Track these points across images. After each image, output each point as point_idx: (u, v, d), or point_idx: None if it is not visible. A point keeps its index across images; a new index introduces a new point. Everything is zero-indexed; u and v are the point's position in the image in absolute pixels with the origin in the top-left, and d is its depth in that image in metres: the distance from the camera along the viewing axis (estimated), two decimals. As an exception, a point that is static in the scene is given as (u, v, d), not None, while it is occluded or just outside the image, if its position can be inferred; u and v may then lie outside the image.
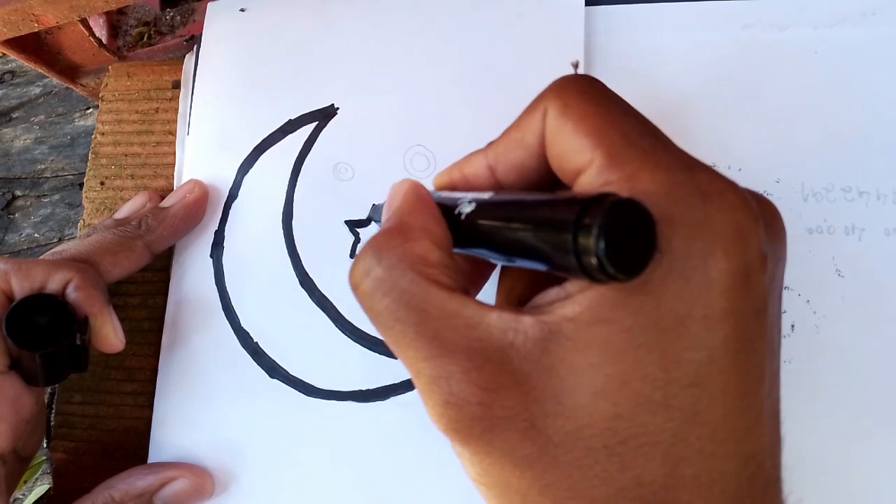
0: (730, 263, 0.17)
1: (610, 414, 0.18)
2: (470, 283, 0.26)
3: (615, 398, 0.18)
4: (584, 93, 0.20)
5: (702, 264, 0.17)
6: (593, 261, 0.16)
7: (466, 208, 0.21)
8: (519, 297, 0.22)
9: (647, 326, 0.17)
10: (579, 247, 0.16)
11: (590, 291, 0.18)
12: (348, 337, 0.35)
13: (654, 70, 0.35)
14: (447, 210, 0.22)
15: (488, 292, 0.25)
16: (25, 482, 0.85)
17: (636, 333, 0.17)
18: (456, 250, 0.22)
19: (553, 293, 0.19)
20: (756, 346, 0.18)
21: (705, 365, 0.18)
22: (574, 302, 0.18)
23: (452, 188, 0.24)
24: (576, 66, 0.22)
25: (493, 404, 0.18)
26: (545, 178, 0.22)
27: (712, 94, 0.35)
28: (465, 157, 0.24)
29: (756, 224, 0.18)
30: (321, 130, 0.38)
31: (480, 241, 0.21)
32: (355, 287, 0.21)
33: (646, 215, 0.16)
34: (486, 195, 0.21)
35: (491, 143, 0.23)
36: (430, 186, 0.25)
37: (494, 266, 0.26)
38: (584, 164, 0.19)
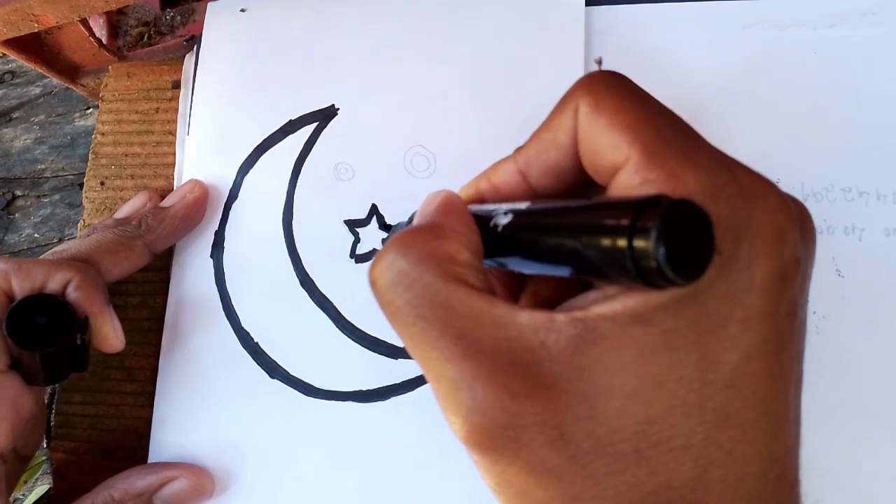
0: (771, 266, 0.17)
1: (642, 417, 0.17)
2: (506, 295, 0.25)
3: (648, 400, 0.17)
4: (614, 87, 0.20)
5: (747, 267, 0.17)
6: (652, 265, 0.15)
7: (503, 220, 0.20)
8: (544, 300, 0.22)
9: (686, 328, 0.17)
10: (636, 252, 0.15)
11: (634, 293, 0.17)
12: (348, 337, 0.35)
13: (654, 70, 0.35)
14: (481, 222, 0.21)
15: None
16: (25, 482, 0.85)
17: (674, 335, 0.17)
18: (487, 263, 0.22)
19: (592, 295, 0.18)
20: (788, 347, 0.18)
21: (741, 367, 0.17)
22: (615, 302, 0.17)
23: (481, 200, 0.23)
24: (599, 62, 0.22)
25: (521, 411, 0.18)
26: (579, 179, 0.21)
27: (712, 94, 0.35)
28: (491, 166, 0.23)
29: (794, 226, 0.18)
30: (321, 131, 0.38)
31: (516, 250, 0.20)
32: (374, 281, 0.20)
33: (702, 217, 0.15)
34: (522, 205, 0.20)
35: (519, 149, 0.22)
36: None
37: (525, 278, 0.26)
38: (621, 161, 0.18)
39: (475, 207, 0.23)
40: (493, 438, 0.18)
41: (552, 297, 0.21)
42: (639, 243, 0.15)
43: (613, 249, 0.16)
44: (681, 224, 0.15)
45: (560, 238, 0.18)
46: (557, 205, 0.19)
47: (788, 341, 0.18)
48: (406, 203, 0.36)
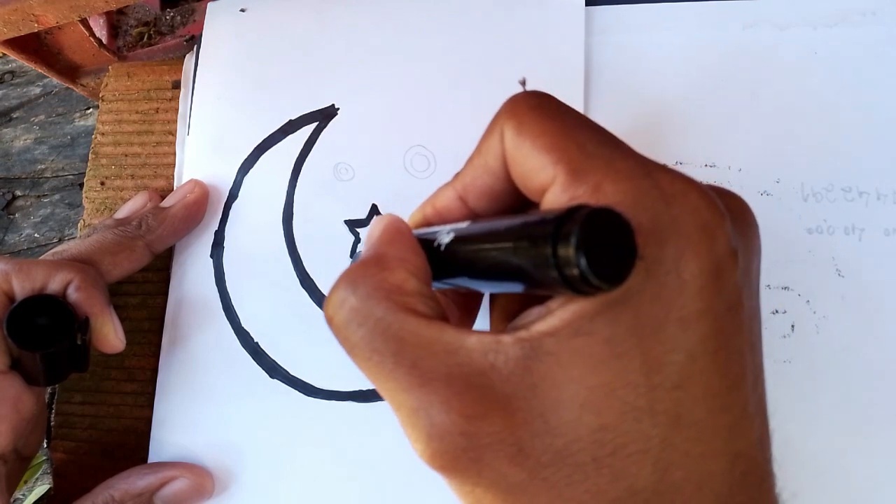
0: (700, 263, 0.18)
1: (596, 426, 0.18)
2: (463, 315, 0.26)
3: (599, 409, 0.17)
4: (536, 109, 0.20)
5: (674, 267, 0.17)
6: (575, 271, 0.16)
7: (445, 238, 0.21)
8: (512, 317, 0.22)
9: (626, 335, 0.17)
10: (560, 259, 0.16)
11: (569, 305, 0.18)
12: (348, 337, 0.35)
13: (654, 70, 0.35)
14: (427, 244, 0.22)
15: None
16: (25, 482, 0.85)
17: (616, 343, 0.17)
18: (438, 285, 0.22)
19: (535, 312, 0.19)
20: (734, 341, 0.18)
21: (686, 366, 0.18)
22: (554, 317, 0.18)
23: (427, 224, 0.24)
24: (523, 83, 0.22)
25: (478, 432, 0.18)
26: (515, 199, 0.22)
27: (712, 94, 0.35)
28: (434, 192, 0.24)
29: (722, 220, 0.18)
30: (321, 131, 0.38)
31: (462, 270, 0.21)
32: (330, 319, 0.21)
33: (622, 223, 0.16)
34: (463, 225, 0.21)
35: (457, 174, 0.23)
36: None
37: (482, 298, 0.26)
38: (548, 180, 0.19)
39: (421, 231, 0.23)
40: (455, 461, 0.19)
41: (518, 314, 0.22)
42: (561, 251, 0.16)
43: (541, 260, 0.16)
44: (601, 231, 0.16)
45: (496, 253, 0.19)
46: (493, 221, 0.20)
47: (734, 335, 0.19)
48: (406, 203, 0.36)
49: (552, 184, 0.19)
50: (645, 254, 0.17)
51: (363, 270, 0.21)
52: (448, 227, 0.22)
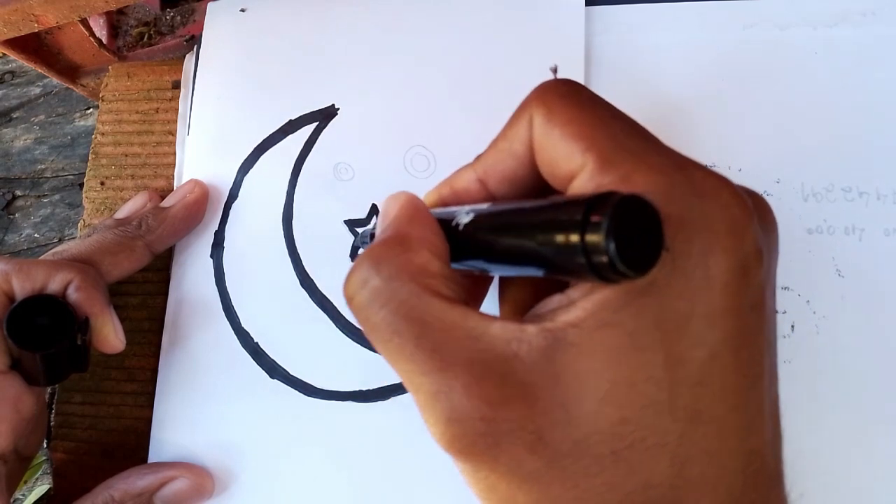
0: (728, 260, 0.17)
1: (616, 419, 0.17)
2: (469, 298, 0.25)
3: (621, 402, 0.17)
4: (567, 97, 0.20)
5: (702, 262, 0.17)
6: (604, 259, 0.15)
7: (464, 219, 0.21)
8: (524, 307, 0.22)
9: (650, 328, 0.17)
10: (588, 245, 0.16)
11: (593, 296, 0.18)
12: (348, 337, 0.35)
13: (654, 70, 0.35)
14: (444, 224, 0.22)
15: (492, 308, 0.25)
16: (25, 482, 0.85)
17: (639, 336, 0.17)
18: (452, 266, 0.22)
19: (556, 300, 0.19)
20: (755, 340, 0.19)
21: (708, 363, 0.18)
22: (577, 308, 0.18)
23: (444, 205, 0.24)
24: (555, 70, 0.22)
25: (498, 418, 0.18)
26: (537, 186, 0.22)
27: (712, 95, 0.35)
28: (453, 173, 0.24)
29: (751, 219, 0.18)
30: (321, 131, 0.38)
31: (479, 252, 0.20)
32: (350, 299, 0.21)
33: (651, 211, 0.16)
34: (483, 206, 0.21)
35: (479, 156, 0.23)
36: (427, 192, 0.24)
37: (491, 281, 0.26)
38: (576, 168, 0.19)
39: (438, 210, 0.23)
40: (473, 445, 0.18)
41: (530, 302, 0.21)
42: (590, 238, 0.16)
43: (567, 245, 0.16)
44: (631, 219, 0.15)
45: (519, 236, 0.19)
46: (516, 204, 0.20)
47: (756, 334, 0.19)
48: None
49: (580, 172, 0.19)
50: (672, 246, 0.17)
51: (386, 250, 0.20)
52: (467, 207, 0.21)
